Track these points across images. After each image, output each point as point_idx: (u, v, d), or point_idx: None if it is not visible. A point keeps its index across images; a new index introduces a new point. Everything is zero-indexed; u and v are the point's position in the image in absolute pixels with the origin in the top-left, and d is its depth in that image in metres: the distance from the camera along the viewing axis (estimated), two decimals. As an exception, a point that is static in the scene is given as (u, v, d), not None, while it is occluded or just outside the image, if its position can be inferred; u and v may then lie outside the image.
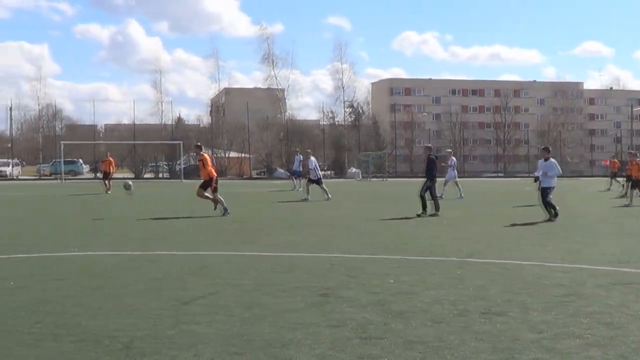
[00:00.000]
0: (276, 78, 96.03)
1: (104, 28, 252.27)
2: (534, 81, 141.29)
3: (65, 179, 63.69)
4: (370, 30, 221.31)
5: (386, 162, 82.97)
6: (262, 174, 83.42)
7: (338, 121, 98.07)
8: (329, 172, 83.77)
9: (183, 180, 64.17)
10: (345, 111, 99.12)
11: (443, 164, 32.96)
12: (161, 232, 17.57)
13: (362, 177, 74.03)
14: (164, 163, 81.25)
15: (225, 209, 22.07)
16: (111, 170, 40.12)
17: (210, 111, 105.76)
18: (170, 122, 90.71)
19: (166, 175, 78.58)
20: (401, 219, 21.26)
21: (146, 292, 9.28)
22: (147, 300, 8.77)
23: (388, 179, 69.39)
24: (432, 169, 22.92)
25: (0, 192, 41.24)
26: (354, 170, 79.46)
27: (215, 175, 22.73)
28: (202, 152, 23.68)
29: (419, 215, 21.81)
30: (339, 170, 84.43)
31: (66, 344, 6.75)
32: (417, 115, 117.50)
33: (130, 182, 27.92)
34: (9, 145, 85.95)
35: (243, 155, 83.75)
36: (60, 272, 11.00)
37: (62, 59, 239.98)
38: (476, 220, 20.88)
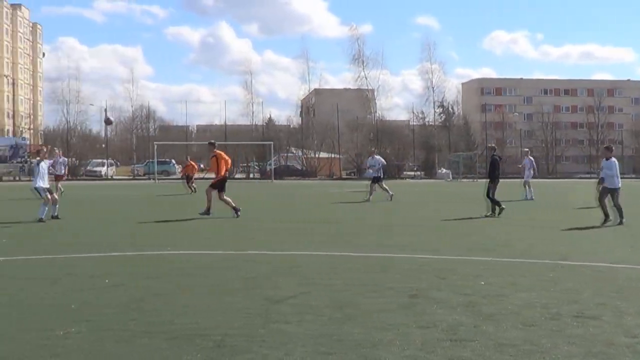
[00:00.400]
0: (366, 78, 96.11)
1: (194, 30, 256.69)
2: (628, 80, 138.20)
3: (158, 179, 64.72)
4: (460, 30, 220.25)
5: (476, 162, 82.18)
6: (352, 174, 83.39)
7: (428, 121, 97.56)
8: (418, 173, 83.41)
9: (274, 181, 64.61)
10: (435, 111, 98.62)
11: (519, 166, 32.59)
12: (252, 231, 17.73)
13: (452, 177, 73.59)
14: (255, 163, 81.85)
15: (208, 210, 21.60)
16: (193, 173, 40.50)
17: (301, 112, 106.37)
18: (260, 123, 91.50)
19: (257, 175, 79.18)
20: (491, 220, 21.07)
21: (238, 291, 9.39)
22: (239, 299, 8.87)
23: (478, 180, 68.73)
24: (495, 170, 22.78)
25: (95, 191, 42.11)
26: (444, 171, 78.97)
27: (224, 176, 22.38)
28: (215, 150, 22.87)
29: (486, 216, 21.89)
30: (429, 171, 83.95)
31: (159, 341, 6.87)
32: (508, 116, 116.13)
33: (111, 118, 26.82)
34: (104, 145, 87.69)
35: (333, 155, 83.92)
36: (154, 271, 11.21)
37: (154, 61, 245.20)
38: (568, 222, 20.51)
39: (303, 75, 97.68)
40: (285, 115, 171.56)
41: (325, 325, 7.44)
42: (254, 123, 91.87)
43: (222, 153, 22.76)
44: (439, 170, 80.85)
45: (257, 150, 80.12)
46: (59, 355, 6.38)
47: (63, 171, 33.26)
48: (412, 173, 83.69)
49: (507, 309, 8.31)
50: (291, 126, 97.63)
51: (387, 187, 31.29)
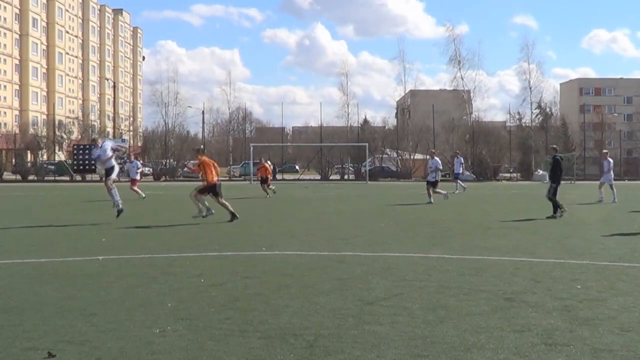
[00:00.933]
0: (462, 79, 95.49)
1: (291, 33, 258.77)
2: None
3: (254, 180, 65.33)
4: (557, 29, 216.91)
5: (575, 164, 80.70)
6: (447, 175, 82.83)
7: (525, 122, 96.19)
8: (515, 175, 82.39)
9: (368, 182, 64.59)
10: (532, 112, 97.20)
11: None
12: (346, 232, 17.77)
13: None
14: (350, 164, 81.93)
15: (233, 215, 20.76)
16: (269, 175, 38.12)
17: (396, 113, 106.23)
18: (356, 124, 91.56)
19: (352, 176, 79.25)
20: (587, 222, 20.70)
21: (331, 292, 9.44)
22: (332, 299, 8.93)
23: (576, 182, 67.54)
24: (556, 170, 23.06)
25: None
26: (540, 172, 77.72)
27: (216, 181, 21.28)
28: (199, 156, 21.88)
29: (549, 217, 21.99)
30: (526, 172, 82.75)
31: (253, 340, 6.97)
32: (607, 116, 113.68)
33: None
34: (202, 147, 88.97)
35: (428, 157, 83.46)
36: (249, 271, 11.34)
37: (251, 63, 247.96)
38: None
39: (399, 77, 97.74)
40: (381, 116, 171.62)
41: (418, 327, 7.44)
42: (349, 124, 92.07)
43: (207, 160, 21.72)
44: (536, 172, 79.60)
45: (352, 152, 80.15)
46: (157, 353, 6.53)
47: (137, 175, 33.57)
48: (509, 175, 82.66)
49: (604, 313, 8.18)
50: (386, 127, 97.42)
51: (440, 190, 31.01)
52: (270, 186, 37.50)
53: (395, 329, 7.39)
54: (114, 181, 21.30)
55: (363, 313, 8.15)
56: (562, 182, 22.98)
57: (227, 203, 21.28)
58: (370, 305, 8.59)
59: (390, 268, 11.64)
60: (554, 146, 25.56)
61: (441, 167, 31.50)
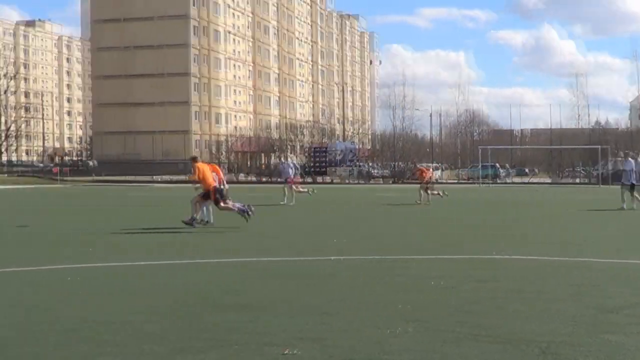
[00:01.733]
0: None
1: (517, 33, 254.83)
2: None
3: (483, 184, 64.75)
4: None
5: None
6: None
7: None
8: None
9: (601, 186, 62.61)
10: None
11: None
12: (580, 237, 17.42)
13: None
14: (582, 168, 79.54)
15: (246, 211, 19.30)
16: (425, 180, 33.20)
17: (630, 114, 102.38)
18: (587, 126, 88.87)
19: (584, 180, 76.94)
20: None
21: (566, 298, 9.27)
22: (567, 306, 8.76)
23: None
24: None
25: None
26: None
27: (214, 185, 19.88)
28: (195, 163, 20.58)
29: None
30: None
31: (485, 344, 6.97)
32: None
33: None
34: (429, 149, 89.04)
35: (622, 157, 79.77)
36: (482, 274, 11.33)
37: (477, 65, 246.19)
38: None
39: (632, 76, 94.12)
40: (614, 118, 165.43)
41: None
42: (580, 126, 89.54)
43: (203, 166, 20.66)
44: None
45: (584, 155, 77.82)
46: (388, 353, 6.66)
47: (290, 174, 33.32)
48: None
49: None
50: (619, 129, 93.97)
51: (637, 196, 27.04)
52: (434, 191, 33.77)
53: (633, 339, 7.16)
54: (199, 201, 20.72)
55: (598, 321, 7.95)
56: None
57: (229, 206, 20.10)
58: (607, 314, 8.36)
59: (628, 275, 11.29)
60: None
61: (630, 169, 28.25)
